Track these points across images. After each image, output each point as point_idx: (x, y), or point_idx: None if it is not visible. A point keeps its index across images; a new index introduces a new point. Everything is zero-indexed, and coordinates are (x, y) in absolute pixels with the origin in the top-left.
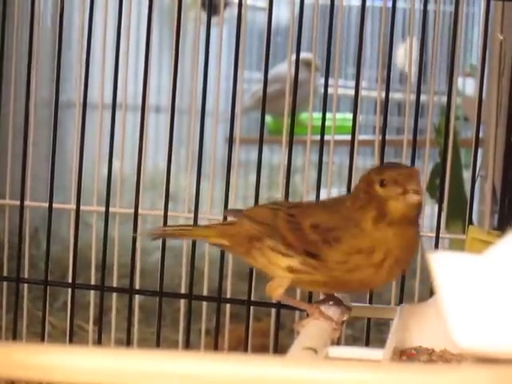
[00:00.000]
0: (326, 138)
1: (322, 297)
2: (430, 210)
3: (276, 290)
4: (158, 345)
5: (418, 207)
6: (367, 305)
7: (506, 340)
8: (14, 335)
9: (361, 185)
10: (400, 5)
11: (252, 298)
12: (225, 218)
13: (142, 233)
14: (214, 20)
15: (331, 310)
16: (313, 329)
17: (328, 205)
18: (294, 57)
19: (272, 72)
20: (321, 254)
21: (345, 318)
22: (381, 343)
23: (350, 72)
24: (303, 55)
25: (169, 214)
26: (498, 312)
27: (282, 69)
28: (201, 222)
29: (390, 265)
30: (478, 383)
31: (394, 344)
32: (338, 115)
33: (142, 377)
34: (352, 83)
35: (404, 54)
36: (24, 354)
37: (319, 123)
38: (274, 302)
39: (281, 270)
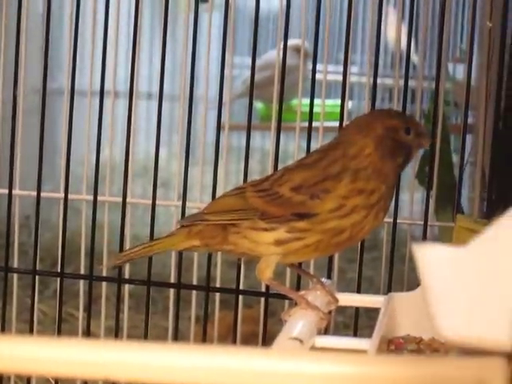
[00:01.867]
0: (316, 124)
1: (310, 286)
2: (421, 196)
3: (265, 272)
4: (146, 333)
5: None
6: (355, 294)
7: (491, 331)
8: (3, 323)
9: (382, 132)
10: None
11: (242, 286)
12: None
13: (106, 264)
14: (204, 6)
15: (319, 300)
16: (299, 319)
17: (308, 163)
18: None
19: (263, 58)
20: (311, 211)
21: (332, 308)
22: (371, 330)
23: (341, 57)
24: (294, 41)
25: (158, 202)
26: (482, 302)
27: (273, 55)
28: (191, 211)
29: (379, 208)
30: (462, 375)
31: (381, 333)
32: (329, 101)
33: (124, 368)
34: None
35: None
36: (7, 345)
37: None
38: (262, 290)
39: (267, 247)
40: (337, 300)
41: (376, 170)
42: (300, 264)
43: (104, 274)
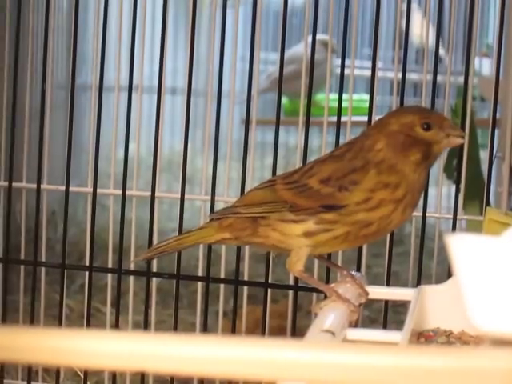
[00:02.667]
0: (343, 119)
1: (339, 278)
2: (447, 191)
3: (296, 265)
4: (175, 327)
5: None
6: (384, 287)
7: None
8: (32, 318)
9: (395, 128)
10: None
11: (269, 280)
12: (211, 221)
13: (137, 258)
14: (230, 1)
15: (349, 293)
16: (330, 311)
17: (336, 155)
18: (310, 38)
19: (288, 53)
20: (339, 203)
21: (362, 301)
22: (398, 325)
23: (366, 52)
24: (319, 36)
25: (185, 196)
26: None
27: (298, 50)
28: (217, 205)
29: (407, 203)
30: (495, 367)
31: (411, 326)
32: (355, 96)
33: (157, 360)
34: (368, 64)
35: (421, 34)
36: (37, 337)
37: (336, 104)
38: (291, 284)
39: (296, 239)
40: (367, 293)
41: (391, 165)
42: (329, 257)
43: (132, 267)
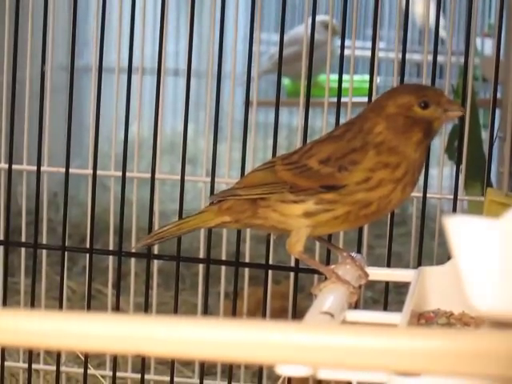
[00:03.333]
0: (344, 99)
1: (340, 260)
2: (449, 171)
3: (295, 246)
4: (175, 309)
5: None
6: (385, 268)
7: None
8: (33, 300)
9: (393, 110)
10: None
11: (271, 261)
12: (211, 204)
13: (135, 245)
14: None
15: (349, 274)
16: (330, 293)
17: (336, 135)
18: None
19: (290, 34)
20: (339, 183)
21: (362, 283)
22: (400, 305)
23: (369, 33)
24: (321, 17)
25: (186, 178)
26: None
27: (300, 31)
28: (218, 186)
29: (406, 182)
30: (495, 348)
31: (411, 307)
32: (357, 77)
33: (157, 343)
34: (370, 44)
35: (422, 14)
36: (38, 320)
37: (337, 85)
38: (292, 265)
39: (296, 219)
40: (367, 274)
41: (392, 147)
42: (330, 240)
43: (133, 250)
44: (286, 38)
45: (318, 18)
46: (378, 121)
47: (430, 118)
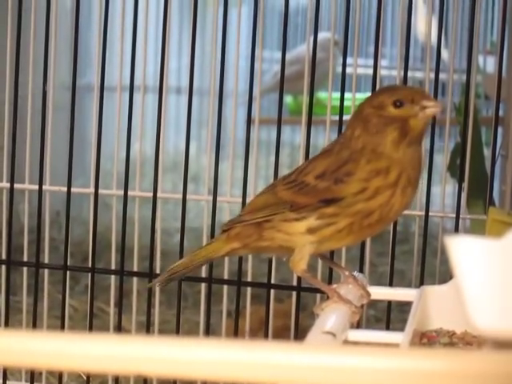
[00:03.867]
0: (346, 117)
1: (342, 279)
2: (451, 189)
3: (299, 264)
4: (177, 327)
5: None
6: (387, 287)
7: None
8: (35, 319)
9: (368, 111)
10: None
11: (273, 280)
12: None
13: (153, 283)
14: (234, 0)
15: (351, 294)
16: (332, 312)
17: (327, 150)
18: (319, 36)
19: (293, 53)
20: (337, 196)
21: (364, 302)
22: (403, 323)
23: (371, 50)
24: (325, 35)
25: (188, 196)
26: None
27: (303, 49)
28: (221, 205)
29: (404, 184)
30: (497, 369)
31: (414, 327)
32: (359, 95)
33: (159, 364)
34: (372, 62)
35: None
36: (39, 341)
37: (339, 103)
38: (294, 284)
39: (300, 236)
40: (369, 294)
41: (373, 149)
42: (332, 257)
43: (135, 268)
44: (288, 56)
45: (323, 35)
46: (356, 124)
47: (404, 116)
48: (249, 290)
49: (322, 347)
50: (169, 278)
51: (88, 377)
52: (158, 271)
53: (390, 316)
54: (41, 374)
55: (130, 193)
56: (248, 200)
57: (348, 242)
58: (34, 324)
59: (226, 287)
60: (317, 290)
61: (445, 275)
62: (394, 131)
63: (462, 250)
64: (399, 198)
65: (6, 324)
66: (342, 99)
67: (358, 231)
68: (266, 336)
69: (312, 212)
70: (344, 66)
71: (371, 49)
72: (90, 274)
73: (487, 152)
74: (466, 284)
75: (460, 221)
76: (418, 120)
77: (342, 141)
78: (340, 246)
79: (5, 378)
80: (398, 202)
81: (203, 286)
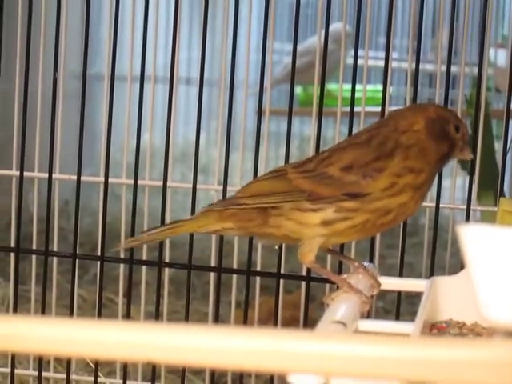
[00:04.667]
0: (357, 109)
1: (352, 269)
2: (461, 181)
3: (307, 256)
4: (187, 318)
5: None
6: (397, 278)
7: None
8: (43, 308)
9: (433, 116)
10: None
11: (282, 271)
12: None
13: (125, 245)
14: None
15: (361, 284)
16: (342, 302)
17: (356, 140)
18: (332, 27)
19: (304, 44)
20: (364, 191)
21: (375, 292)
22: (412, 316)
23: (382, 42)
24: (336, 26)
25: (198, 186)
26: None
27: (314, 41)
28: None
29: (422, 192)
30: (506, 358)
31: (424, 317)
32: (370, 86)
33: (167, 351)
34: (383, 54)
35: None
36: (48, 327)
37: (350, 95)
38: (303, 274)
39: (312, 228)
40: (379, 284)
41: (422, 149)
42: (342, 250)
43: (144, 257)
44: (300, 47)
45: (334, 26)
46: (418, 119)
47: (456, 142)
48: (258, 280)
49: (332, 336)
50: (139, 244)
51: (96, 365)
52: (167, 260)
53: (399, 308)
54: (49, 362)
55: (139, 182)
56: None
57: (356, 238)
58: (43, 313)
59: (235, 277)
60: (326, 281)
61: (455, 268)
62: (445, 147)
63: (474, 238)
64: (413, 203)
65: (15, 312)
66: (353, 91)
67: (369, 229)
68: (275, 326)
69: (330, 204)
70: (356, 58)
71: (381, 40)
72: (98, 263)
73: (497, 145)
74: (477, 274)
75: (471, 212)
76: (457, 151)
77: (386, 133)
78: (345, 241)
79: (13, 367)
80: (412, 206)
81: (212, 276)
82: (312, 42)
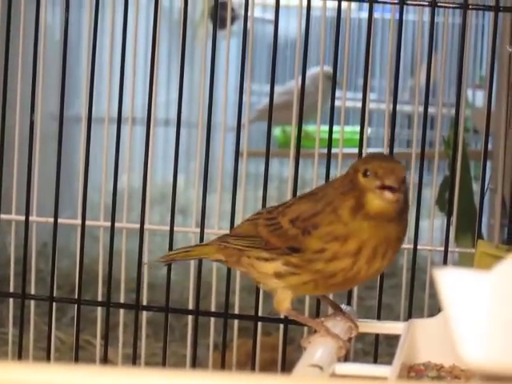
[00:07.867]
0: (335, 151)
1: (330, 312)
2: (439, 222)
3: (283, 304)
4: (164, 360)
5: (398, 205)
6: (375, 320)
7: None
8: (20, 351)
9: (350, 171)
10: (409, 17)
11: (260, 313)
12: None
13: (150, 262)
14: (222, 33)
15: (339, 327)
16: (319, 345)
17: (314, 193)
18: (312, 70)
19: (284, 86)
20: (302, 247)
21: (352, 335)
22: (391, 357)
23: (360, 83)
24: (317, 69)
25: (176, 229)
26: (505, 328)
27: (293, 84)
28: (209, 237)
29: (368, 256)
30: None
31: (401, 360)
32: (348, 128)
33: None
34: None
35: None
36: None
37: (327, 136)
38: (281, 317)
39: (270, 279)
40: (357, 326)
41: (334, 209)
42: None
43: (122, 300)
44: (279, 89)
45: (313, 70)
46: (338, 178)
47: (363, 187)
48: (236, 322)
49: (308, 379)
50: (166, 261)
51: None
52: (144, 303)
53: (377, 349)
54: None
55: (117, 224)
56: None
57: (317, 293)
58: (20, 356)
59: (212, 320)
60: (304, 324)
61: (433, 309)
62: (352, 199)
63: (451, 282)
64: (365, 267)
65: None
66: (330, 132)
67: (326, 288)
68: (253, 369)
69: (280, 256)
70: (333, 99)
71: (359, 81)
72: (76, 306)
73: (476, 186)
74: (454, 316)
75: (448, 254)
76: (375, 196)
77: (326, 187)
78: (311, 294)
79: None
80: (364, 270)
81: (190, 318)
82: (292, 85)
